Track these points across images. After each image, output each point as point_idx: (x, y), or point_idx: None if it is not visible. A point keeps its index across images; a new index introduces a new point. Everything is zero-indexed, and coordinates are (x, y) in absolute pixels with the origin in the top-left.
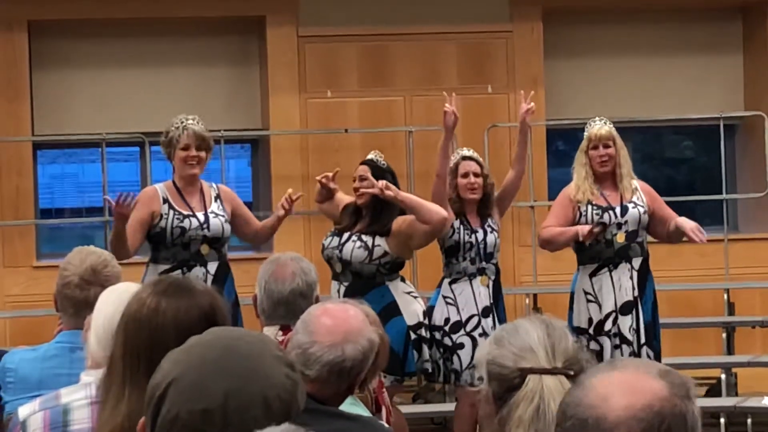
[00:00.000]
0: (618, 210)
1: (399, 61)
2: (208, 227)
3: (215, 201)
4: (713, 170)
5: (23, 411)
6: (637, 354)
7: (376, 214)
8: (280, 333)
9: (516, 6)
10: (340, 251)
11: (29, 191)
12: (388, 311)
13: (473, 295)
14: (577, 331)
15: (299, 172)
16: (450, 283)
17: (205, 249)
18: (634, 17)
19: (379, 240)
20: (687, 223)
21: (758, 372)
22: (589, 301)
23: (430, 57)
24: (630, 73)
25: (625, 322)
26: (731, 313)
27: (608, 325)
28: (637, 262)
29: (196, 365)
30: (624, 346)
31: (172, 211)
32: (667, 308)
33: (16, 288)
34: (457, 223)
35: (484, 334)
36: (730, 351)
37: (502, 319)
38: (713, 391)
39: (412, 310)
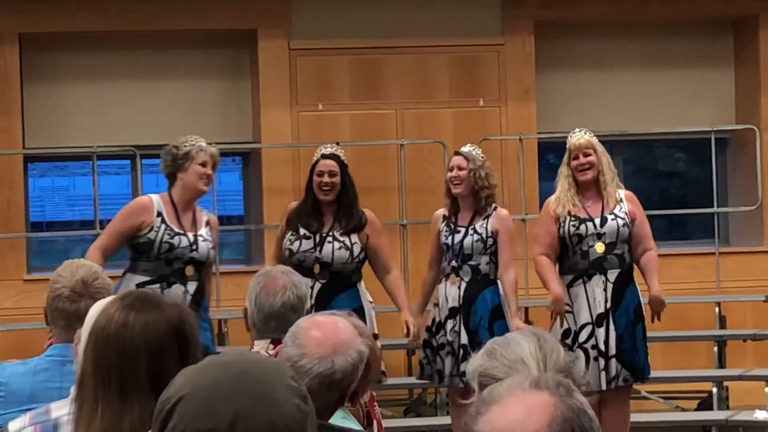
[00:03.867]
0: (597, 221)
1: (391, 74)
2: (197, 249)
3: (205, 226)
4: (704, 183)
5: (13, 426)
6: (605, 367)
7: (346, 210)
8: (271, 346)
9: (508, 19)
10: (319, 252)
11: (20, 204)
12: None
13: (446, 296)
14: None
15: (290, 186)
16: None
17: (189, 270)
18: (626, 31)
19: (354, 238)
20: (655, 301)
21: (749, 385)
22: (566, 311)
23: (421, 70)
24: (622, 86)
25: (600, 335)
26: (722, 326)
27: (582, 337)
28: (612, 275)
29: (209, 385)
30: (600, 359)
31: (164, 226)
32: (659, 321)
33: (7, 301)
34: (443, 226)
35: (451, 335)
36: (721, 364)
37: (469, 324)
38: (704, 404)
39: (369, 318)
